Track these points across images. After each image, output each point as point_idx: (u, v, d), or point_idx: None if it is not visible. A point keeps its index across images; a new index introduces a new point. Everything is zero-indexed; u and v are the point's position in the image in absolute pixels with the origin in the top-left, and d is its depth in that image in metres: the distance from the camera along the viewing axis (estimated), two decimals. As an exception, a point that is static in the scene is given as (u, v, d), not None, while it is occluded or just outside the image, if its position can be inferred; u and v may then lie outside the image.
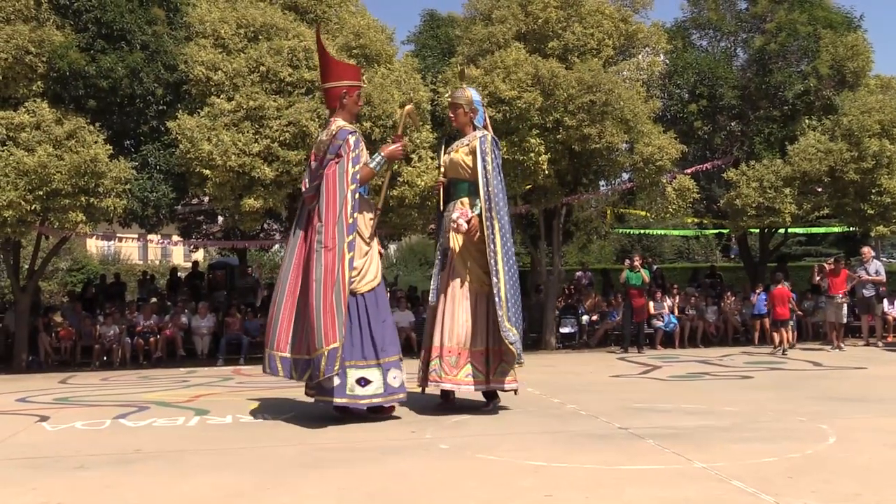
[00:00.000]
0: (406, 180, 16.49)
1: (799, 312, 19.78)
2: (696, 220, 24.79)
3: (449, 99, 10.87)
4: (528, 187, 18.61)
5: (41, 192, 15.12)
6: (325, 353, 8.84)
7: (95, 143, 15.60)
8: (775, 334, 17.95)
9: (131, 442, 8.46)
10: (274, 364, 9.44)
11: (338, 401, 9.22)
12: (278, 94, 16.22)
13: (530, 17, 18.25)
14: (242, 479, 6.68)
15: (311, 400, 9.75)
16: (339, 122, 9.55)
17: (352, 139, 9.37)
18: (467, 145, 9.98)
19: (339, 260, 9.05)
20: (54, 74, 15.81)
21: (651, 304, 20.01)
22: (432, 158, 16.77)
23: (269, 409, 10.44)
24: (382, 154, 9.71)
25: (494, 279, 9.59)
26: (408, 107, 10.35)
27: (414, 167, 16.63)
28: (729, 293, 21.65)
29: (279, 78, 16.22)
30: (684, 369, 14.81)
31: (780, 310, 17.98)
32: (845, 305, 18.84)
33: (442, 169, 10.35)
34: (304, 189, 9.74)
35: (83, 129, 15.73)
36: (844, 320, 18.83)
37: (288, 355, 9.40)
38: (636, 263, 19.07)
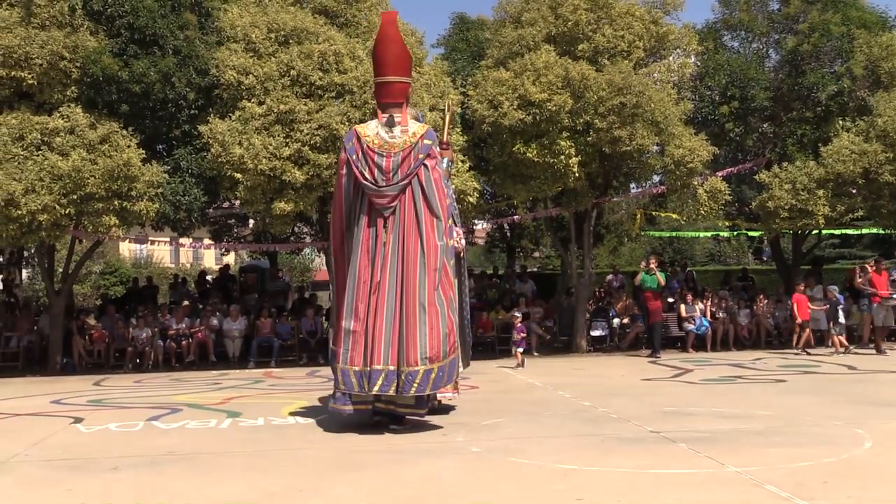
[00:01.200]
0: (436, 183, 16.50)
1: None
2: (727, 223, 24.61)
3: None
4: (558, 190, 18.54)
5: (75, 196, 15.26)
6: (435, 368, 8.83)
7: (128, 147, 15.72)
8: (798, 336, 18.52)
9: (164, 444, 8.52)
10: (348, 379, 9.04)
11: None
12: (309, 97, 16.27)
13: (560, 19, 18.19)
14: (274, 481, 6.71)
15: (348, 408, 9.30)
16: (415, 121, 9.60)
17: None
18: None
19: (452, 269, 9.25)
20: (88, 79, 15.96)
21: (682, 307, 19.86)
22: (463, 162, 16.76)
23: (301, 412, 10.48)
24: (448, 158, 9.76)
25: None
26: (452, 106, 10.29)
27: (444, 170, 16.62)
28: (761, 296, 21.46)
29: (309, 82, 16.28)
30: (717, 373, 14.70)
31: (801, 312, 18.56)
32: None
33: None
34: (371, 184, 9.19)
35: (116, 134, 15.87)
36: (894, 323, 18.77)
37: (381, 367, 8.92)
38: (651, 266, 18.87)
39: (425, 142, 9.33)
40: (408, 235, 9.12)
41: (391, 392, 8.90)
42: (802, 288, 19.28)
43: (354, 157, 9.31)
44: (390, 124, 9.45)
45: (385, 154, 9.23)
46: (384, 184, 9.18)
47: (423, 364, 8.81)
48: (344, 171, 9.50)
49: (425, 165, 9.28)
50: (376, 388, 8.88)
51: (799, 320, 18.58)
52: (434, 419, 9.53)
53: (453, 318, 9.19)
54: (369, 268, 9.15)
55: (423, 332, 8.88)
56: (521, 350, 16.53)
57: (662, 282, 18.81)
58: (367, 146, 9.27)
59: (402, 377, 8.80)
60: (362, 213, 9.30)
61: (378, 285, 9.06)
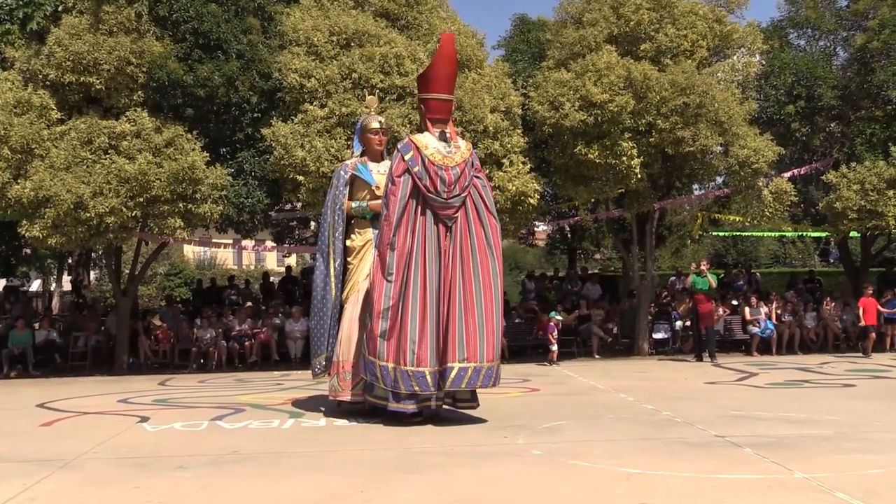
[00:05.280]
0: (497, 185, 16.46)
1: None
2: (790, 227, 24.21)
3: (377, 124, 11.23)
4: (620, 191, 18.38)
5: (141, 199, 15.53)
6: (496, 365, 9.67)
7: (193, 150, 15.96)
8: (865, 342, 18.13)
9: (228, 443, 8.62)
10: (424, 380, 9.46)
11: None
12: (370, 100, 16.35)
13: (622, 19, 18.03)
14: (337, 481, 6.74)
15: (411, 407, 9.66)
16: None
17: None
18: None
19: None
20: (154, 84, 16.24)
21: (747, 310, 19.56)
22: (524, 163, 16.70)
23: (362, 413, 10.52)
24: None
25: None
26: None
27: (505, 172, 16.57)
28: (829, 299, 21.04)
29: (371, 84, 16.36)
30: (782, 376, 14.44)
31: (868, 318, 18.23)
32: None
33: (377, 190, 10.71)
34: (436, 196, 9.67)
35: (181, 137, 16.12)
36: None
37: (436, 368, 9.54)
38: (703, 268, 18.50)
39: (474, 157, 10.20)
40: (469, 241, 9.76)
41: (463, 386, 9.60)
42: (870, 292, 18.92)
43: (416, 168, 9.72)
44: (444, 139, 9.98)
45: (445, 167, 9.76)
46: (446, 196, 9.69)
47: (488, 361, 9.58)
48: (401, 178, 9.76)
49: (478, 177, 10.08)
50: (448, 384, 9.50)
51: (862, 323, 18.29)
52: (493, 421, 9.55)
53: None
54: (434, 272, 9.63)
55: (488, 331, 9.59)
56: (553, 348, 18.04)
57: (714, 284, 18.46)
58: (429, 159, 9.74)
59: (470, 372, 9.49)
60: (417, 220, 9.72)
61: (441, 288, 9.62)
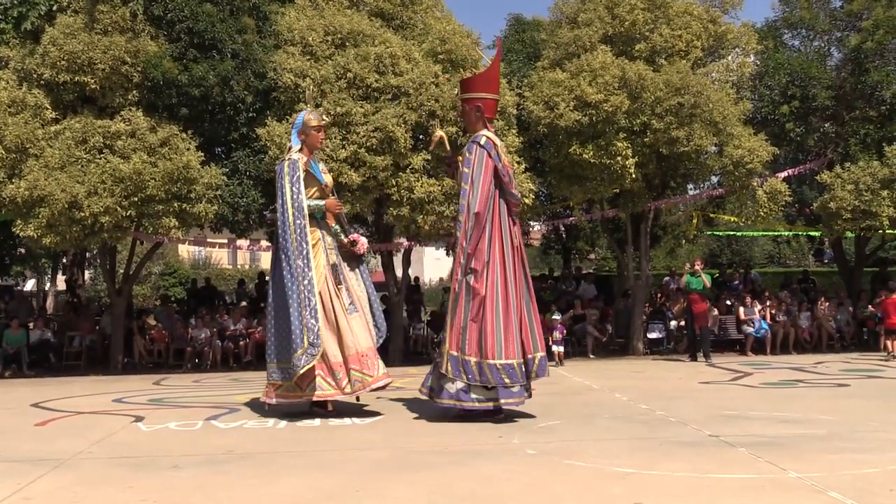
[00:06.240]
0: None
1: None
2: (784, 227, 24.23)
3: (323, 120, 11.24)
4: (614, 191, 18.39)
5: (136, 199, 15.53)
6: (539, 357, 9.91)
7: (188, 150, 15.96)
8: (889, 342, 17.45)
9: (223, 443, 8.62)
10: (514, 373, 9.62)
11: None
12: (365, 100, 16.36)
13: (617, 19, 18.06)
14: (332, 481, 6.74)
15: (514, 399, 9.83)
16: None
17: None
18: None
19: None
20: (149, 83, 16.23)
21: (741, 309, 19.59)
22: (518, 163, 16.71)
23: (357, 413, 10.53)
24: None
25: None
26: (439, 133, 11.17)
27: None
28: (823, 298, 21.08)
29: (366, 84, 16.36)
30: (777, 376, 14.46)
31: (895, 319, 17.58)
32: None
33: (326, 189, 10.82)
34: (514, 192, 10.16)
35: (176, 137, 16.12)
36: None
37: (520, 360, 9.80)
38: (696, 268, 18.50)
39: None
40: (511, 235, 10.09)
41: (544, 375, 10.11)
42: None
43: (500, 165, 10.03)
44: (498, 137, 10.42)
45: (508, 164, 10.27)
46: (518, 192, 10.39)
47: (541, 351, 10.04)
48: (491, 173, 9.96)
49: None
50: (534, 374, 9.90)
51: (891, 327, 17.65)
52: (488, 422, 9.61)
53: None
54: (509, 266, 9.92)
55: (536, 321, 10.13)
56: (560, 349, 17.82)
57: (708, 283, 18.47)
58: (504, 157, 10.16)
59: (537, 362, 9.91)
60: (496, 216, 9.97)
61: (516, 281, 9.95)
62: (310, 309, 9.80)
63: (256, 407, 11.21)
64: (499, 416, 9.75)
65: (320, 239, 10.48)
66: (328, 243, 10.55)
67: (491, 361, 9.52)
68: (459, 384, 9.61)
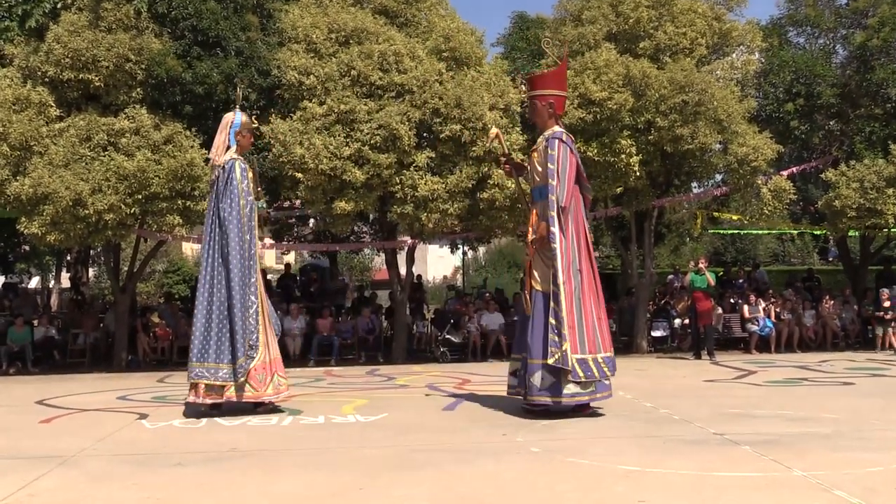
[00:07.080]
0: (496, 182, 16.47)
1: None
2: (789, 226, 24.20)
3: (253, 123, 11.43)
4: (619, 189, 18.38)
5: (140, 196, 15.53)
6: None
7: (191, 147, 15.95)
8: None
9: (227, 440, 8.61)
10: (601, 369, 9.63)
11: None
12: (369, 97, 16.36)
13: (621, 17, 18.04)
14: (336, 479, 6.73)
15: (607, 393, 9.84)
16: None
17: None
18: None
19: None
20: (153, 81, 16.23)
21: (745, 307, 19.57)
22: (522, 161, 16.65)
23: (361, 410, 10.52)
24: None
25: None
26: (494, 130, 10.97)
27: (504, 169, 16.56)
28: (827, 297, 21.05)
29: (370, 82, 16.36)
30: (781, 374, 14.43)
31: None
32: None
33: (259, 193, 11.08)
34: (588, 186, 10.45)
35: (180, 134, 16.11)
36: None
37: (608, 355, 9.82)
38: (701, 266, 18.48)
39: None
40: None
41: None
42: None
43: (578, 160, 10.18)
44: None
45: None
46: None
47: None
48: (574, 169, 10.01)
49: None
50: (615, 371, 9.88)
51: None
52: (492, 419, 9.55)
53: None
54: (587, 259, 9.96)
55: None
56: None
57: (712, 282, 18.44)
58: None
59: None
60: (577, 210, 10.04)
61: (594, 272, 10.02)
62: (253, 311, 10.05)
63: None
64: (587, 410, 9.75)
65: None
66: None
67: (599, 355, 9.61)
68: (574, 383, 9.52)
